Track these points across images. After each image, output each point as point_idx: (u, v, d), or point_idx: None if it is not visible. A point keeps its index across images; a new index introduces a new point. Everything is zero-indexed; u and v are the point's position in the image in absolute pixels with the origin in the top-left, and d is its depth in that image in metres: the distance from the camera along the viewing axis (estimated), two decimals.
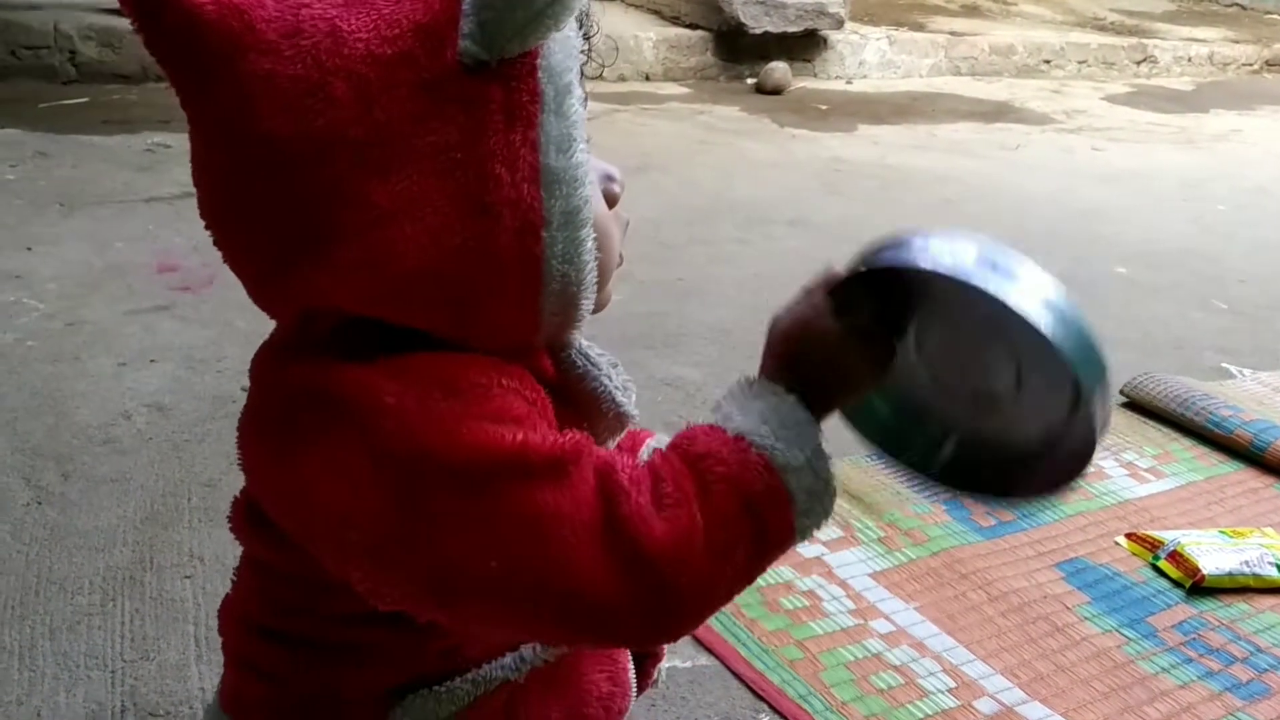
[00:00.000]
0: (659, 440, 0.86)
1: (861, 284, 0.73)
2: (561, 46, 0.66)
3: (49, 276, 2.39)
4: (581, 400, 0.76)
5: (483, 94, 0.64)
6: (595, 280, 0.70)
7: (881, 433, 0.82)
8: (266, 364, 0.74)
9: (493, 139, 0.64)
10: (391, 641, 0.76)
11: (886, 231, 0.71)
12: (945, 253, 0.69)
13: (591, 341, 0.78)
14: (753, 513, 0.68)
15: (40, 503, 1.60)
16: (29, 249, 2.53)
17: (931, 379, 0.79)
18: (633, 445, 0.90)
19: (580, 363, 0.76)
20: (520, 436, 0.65)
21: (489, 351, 0.70)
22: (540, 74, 0.65)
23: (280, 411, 0.71)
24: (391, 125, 0.63)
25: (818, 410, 0.73)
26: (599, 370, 0.76)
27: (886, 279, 0.72)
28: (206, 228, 0.68)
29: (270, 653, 0.78)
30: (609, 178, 0.77)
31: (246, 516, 0.77)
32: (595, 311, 0.76)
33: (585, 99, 0.70)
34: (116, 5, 0.64)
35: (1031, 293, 0.67)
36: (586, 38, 0.71)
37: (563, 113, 0.66)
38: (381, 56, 0.63)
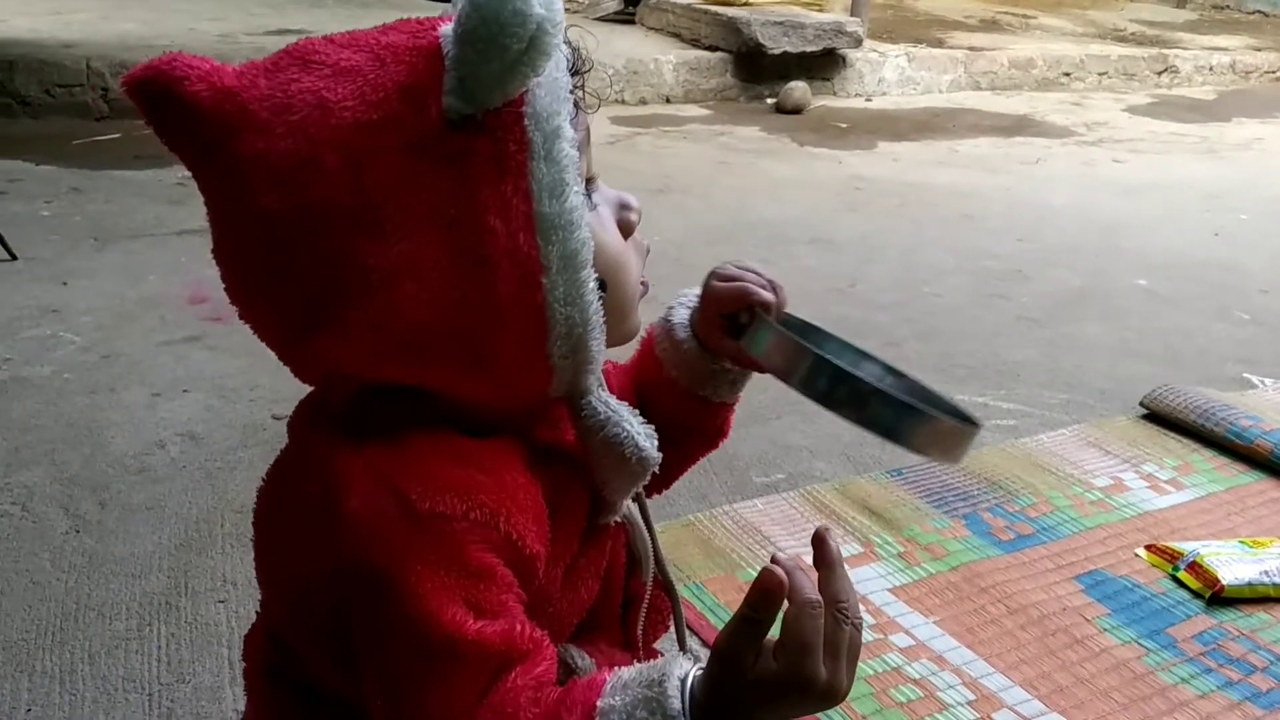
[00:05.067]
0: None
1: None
2: (548, 91, 0.66)
3: (84, 310, 2.45)
4: (603, 449, 0.76)
5: (470, 148, 0.64)
6: (602, 320, 0.70)
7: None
8: (300, 420, 0.78)
9: (484, 192, 0.65)
10: None
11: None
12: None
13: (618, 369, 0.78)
14: None
15: (78, 531, 1.64)
16: (64, 283, 2.60)
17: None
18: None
19: (602, 410, 0.75)
20: (436, 607, 0.65)
21: (503, 412, 0.72)
22: (527, 121, 0.65)
23: (287, 471, 0.76)
24: (382, 189, 0.63)
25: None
26: (620, 417, 0.76)
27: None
28: (232, 303, 0.71)
29: (279, 696, 0.81)
30: (624, 205, 0.77)
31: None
32: (622, 342, 0.77)
33: (585, 137, 0.71)
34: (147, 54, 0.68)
35: None
36: (577, 73, 0.71)
37: (553, 158, 0.66)
38: (368, 123, 0.64)
